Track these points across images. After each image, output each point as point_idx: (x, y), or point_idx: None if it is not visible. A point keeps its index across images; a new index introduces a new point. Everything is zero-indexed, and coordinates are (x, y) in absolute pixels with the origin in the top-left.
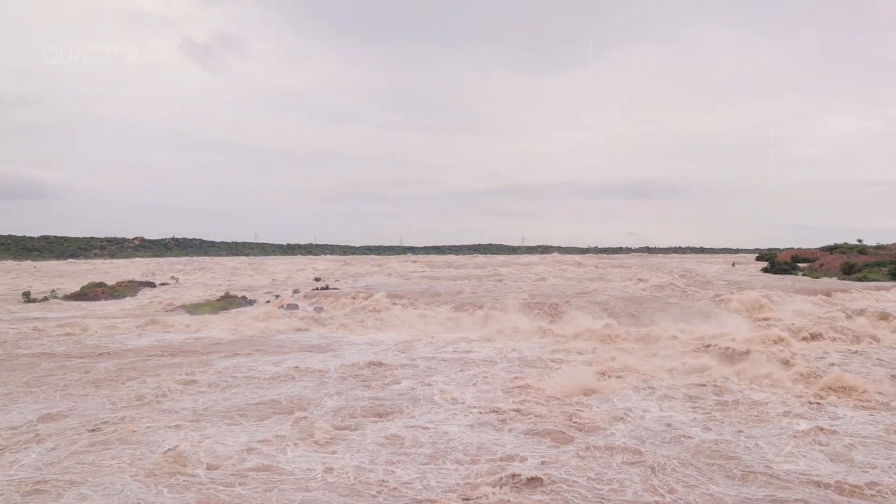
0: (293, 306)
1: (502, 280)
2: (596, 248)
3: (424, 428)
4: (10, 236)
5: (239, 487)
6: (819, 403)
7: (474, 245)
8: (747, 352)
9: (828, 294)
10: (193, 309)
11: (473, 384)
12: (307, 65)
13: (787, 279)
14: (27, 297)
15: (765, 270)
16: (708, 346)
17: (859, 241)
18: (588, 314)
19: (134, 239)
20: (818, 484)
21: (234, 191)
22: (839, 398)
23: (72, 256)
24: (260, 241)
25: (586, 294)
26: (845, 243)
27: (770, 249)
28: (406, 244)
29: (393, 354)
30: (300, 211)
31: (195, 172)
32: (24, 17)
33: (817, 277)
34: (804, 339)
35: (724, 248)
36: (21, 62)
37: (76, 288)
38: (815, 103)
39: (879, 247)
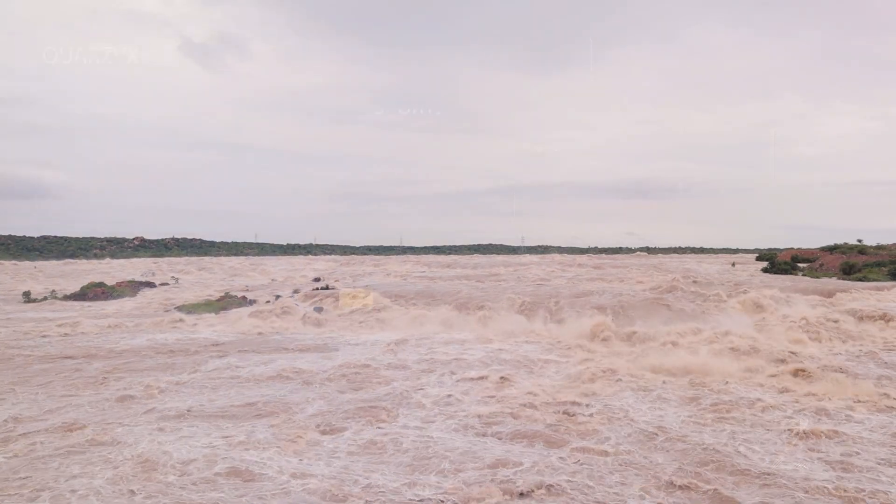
0: (294, 306)
1: (501, 281)
2: (596, 248)
3: (409, 432)
4: (10, 236)
5: (212, 493)
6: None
7: (474, 245)
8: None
9: (828, 294)
10: (193, 309)
11: (464, 386)
12: (307, 65)
13: (787, 279)
14: (27, 298)
15: (765, 270)
16: (709, 345)
17: (859, 241)
18: (586, 316)
19: (134, 239)
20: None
21: (234, 191)
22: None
23: (72, 256)
24: (260, 241)
25: (585, 295)
26: (845, 243)
27: (770, 249)
28: (406, 244)
29: (387, 355)
30: (300, 211)
31: (195, 172)
32: (24, 17)
33: (817, 277)
34: (805, 340)
35: (724, 248)
36: (21, 62)
37: (76, 288)
38: (815, 103)
39: (879, 247)
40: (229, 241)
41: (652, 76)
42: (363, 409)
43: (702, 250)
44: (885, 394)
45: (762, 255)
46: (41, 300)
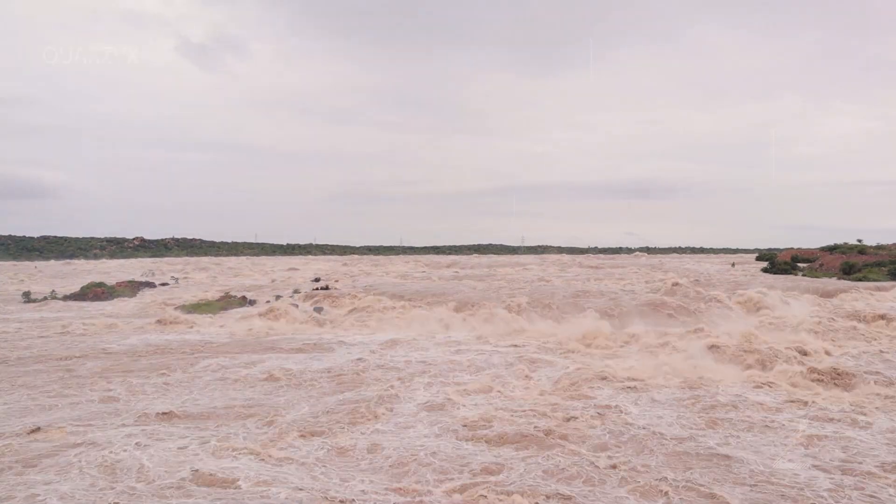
0: (293, 306)
1: (501, 281)
2: (596, 248)
3: (393, 436)
4: (10, 236)
5: (181, 499)
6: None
7: (474, 245)
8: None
9: (828, 294)
10: (193, 309)
11: (457, 388)
12: (307, 65)
13: (787, 279)
14: (27, 298)
15: (765, 270)
16: (708, 346)
17: (859, 241)
18: (584, 316)
19: (134, 239)
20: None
21: (234, 191)
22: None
23: (72, 256)
24: (260, 241)
25: (584, 296)
26: (845, 243)
27: (770, 249)
28: (406, 244)
29: (381, 356)
30: (300, 211)
31: (195, 172)
32: (24, 17)
33: (817, 277)
34: (805, 339)
35: (723, 248)
36: (21, 62)
37: (76, 288)
38: (815, 103)
39: (879, 247)
40: (229, 241)
41: (652, 76)
42: (348, 412)
43: (702, 250)
44: (888, 395)
45: (762, 255)
46: (41, 300)
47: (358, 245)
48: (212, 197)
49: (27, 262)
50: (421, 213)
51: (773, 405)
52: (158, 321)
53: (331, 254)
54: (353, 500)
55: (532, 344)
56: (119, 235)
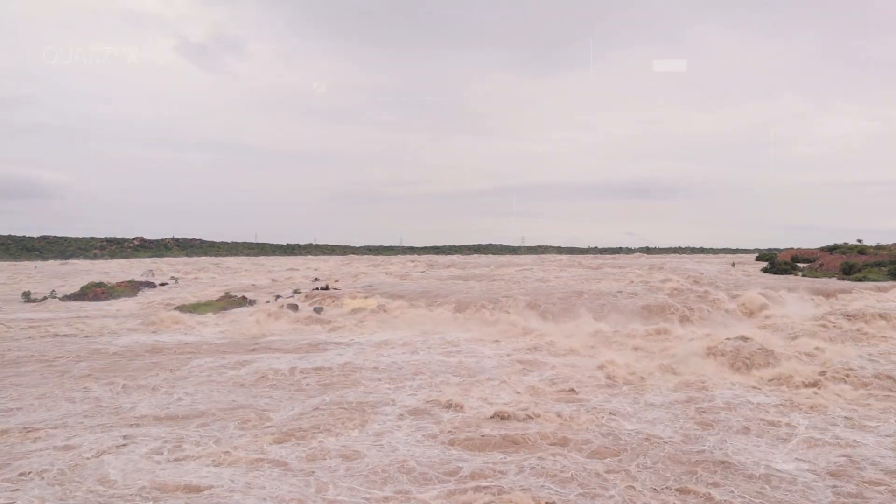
0: (293, 306)
1: (501, 281)
2: (596, 248)
3: (377, 440)
4: (10, 236)
5: None
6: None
7: (474, 245)
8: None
9: (828, 294)
10: (193, 309)
11: (449, 390)
12: (307, 64)
13: (787, 279)
14: (27, 297)
15: (765, 270)
16: (707, 346)
17: (859, 241)
18: (583, 317)
19: (134, 239)
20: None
21: (234, 191)
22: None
23: (72, 256)
24: (260, 241)
25: (583, 296)
26: (845, 243)
27: (770, 249)
28: (406, 244)
29: (377, 356)
30: (300, 211)
31: (195, 172)
32: (24, 17)
33: (817, 277)
34: (805, 339)
35: (723, 248)
36: (21, 62)
37: (76, 288)
38: (815, 103)
39: (879, 247)
40: (229, 241)
41: (652, 76)
42: (333, 415)
43: (702, 250)
44: (890, 396)
45: (762, 255)
46: (41, 300)
47: (358, 245)
48: (212, 197)
49: (27, 262)
50: (421, 213)
51: (772, 406)
52: (157, 321)
53: (331, 254)
54: None
55: (530, 345)
56: (119, 235)
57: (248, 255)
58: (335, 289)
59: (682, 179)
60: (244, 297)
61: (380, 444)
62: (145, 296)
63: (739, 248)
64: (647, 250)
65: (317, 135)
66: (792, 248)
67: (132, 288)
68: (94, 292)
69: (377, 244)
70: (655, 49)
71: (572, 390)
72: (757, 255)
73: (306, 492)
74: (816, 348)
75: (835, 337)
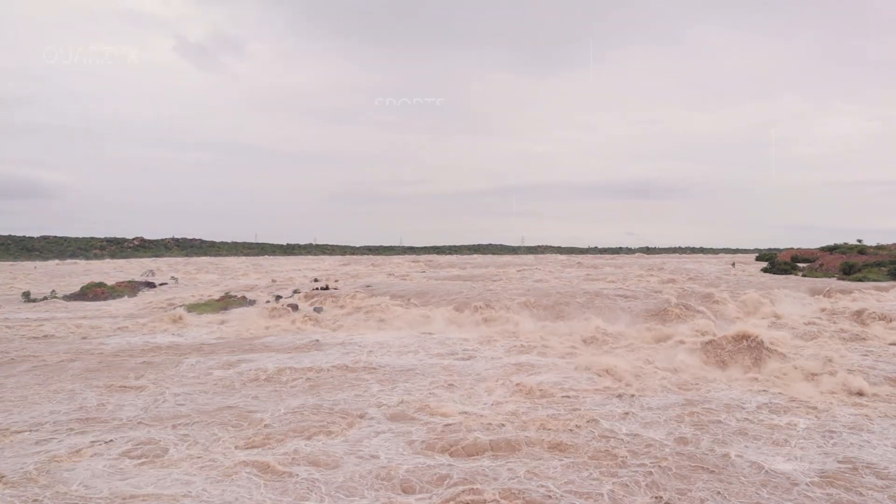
0: (293, 306)
1: (500, 281)
2: (596, 248)
3: (360, 445)
4: (10, 236)
5: None
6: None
7: (474, 245)
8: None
9: (828, 294)
10: (192, 309)
11: (440, 393)
12: (306, 64)
13: (787, 279)
14: (27, 297)
15: (765, 270)
16: (707, 346)
17: (859, 241)
18: (581, 317)
19: (134, 239)
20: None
21: (234, 191)
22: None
23: (72, 256)
24: (260, 241)
25: (583, 296)
26: (845, 243)
27: (770, 249)
28: (406, 244)
29: (371, 357)
30: (300, 211)
31: (195, 172)
32: (24, 17)
33: (817, 277)
34: (805, 340)
35: (724, 248)
36: (21, 62)
37: (76, 288)
38: (815, 103)
39: (879, 247)
40: (229, 241)
41: (652, 76)
42: (319, 419)
43: (702, 250)
44: (891, 396)
45: (762, 256)
46: (41, 300)
47: (358, 245)
48: (212, 197)
49: (27, 262)
50: (421, 213)
51: (771, 407)
52: (156, 322)
53: (331, 254)
54: None
55: (526, 346)
56: (119, 235)
57: (247, 255)
58: (335, 289)
59: (682, 179)
60: (244, 297)
61: (363, 449)
62: (145, 296)
63: (739, 248)
64: (647, 250)
65: (317, 135)
66: (792, 248)
67: (132, 288)
68: (94, 292)
69: (377, 244)
70: (655, 49)
71: (567, 394)
72: (757, 255)
73: (283, 501)
74: (816, 348)
75: (835, 337)
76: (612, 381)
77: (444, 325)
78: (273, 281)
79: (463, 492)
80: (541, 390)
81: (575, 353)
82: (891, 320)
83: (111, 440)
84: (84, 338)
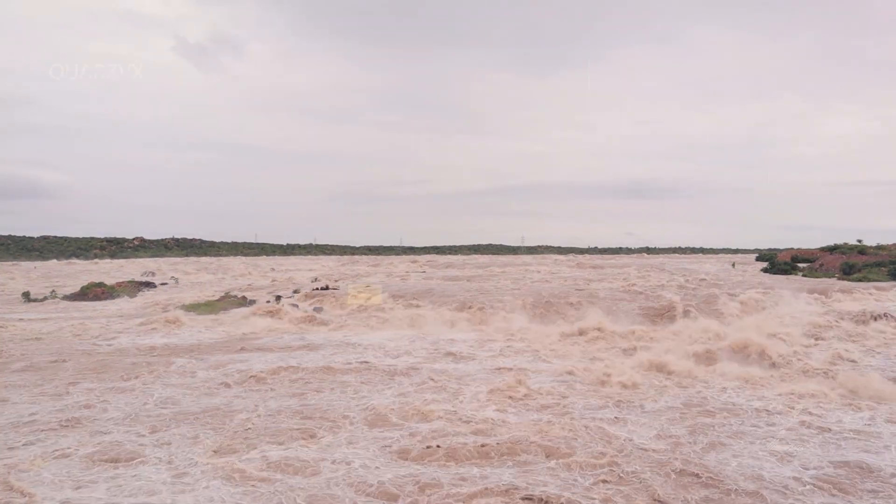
0: (293, 306)
1: (500, 281)
2: (595, 248)
3: (339, 451)
4: (10, 236)
5: None
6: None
7: (474, 245)
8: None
9: (828, 294)
10: (192, 309)
11: (429, 395)
12: (306, 65)
13: (787, 279)
14: (27, 298)
15: (765, 271)
16: (706, 346)
17: (859, 241)
18: (579, 318)
19: (134, 239)
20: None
21: (234, 191)
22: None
23: (72, 256)
24: (260, 241)
25: (583, 296)
26: (845, 243)
27: (770, 249)
28: (406, 244)
29: (364, 357)
30: (300, 211)
31: (195, 172)
32: (24, 17)
33: (817, 278)
34: (805, 340)
35: (723, 249)
36: (21, 62)
37: (76, 288)
38: (815, 103)
39: (879, 247)
40: (229, 241)
41: (651, 76)
42: (294, 422)
43: (702, 250)
44: (891, 396)
45: (762, 256)
46: (41, 300)
47: (358, 245)
48: (212, 197)
49: (27, 262)
50: (421, 213)
51: (769, 407)
52: (154, 322)
53: (331, 254)
54: None
55: (524, 348)
56: (119, 235)
57: (247, 255)
58: (335, 289)
59: (681, 179)
60: (244, 297)
61: (338, 455)
62: (145, 296)
63: (739, 248)
64: (647, 250)
65: (317, 135)
66: (792, 248)
67: (132, 288)
68: (95, 292)
69: (377, 244)
70: (655, 49)
71: (558, 398)
72: (757, 255)
73: None
74: (815, 348)
75: (834, 336)
76: (608, 382)
77: (442, 325)
78: (273, 281)
79: (446, 496)
80: (533, 393)
81: (571, 354)
82: (890, 320)
83: (88, 442)
84: (80, 338)
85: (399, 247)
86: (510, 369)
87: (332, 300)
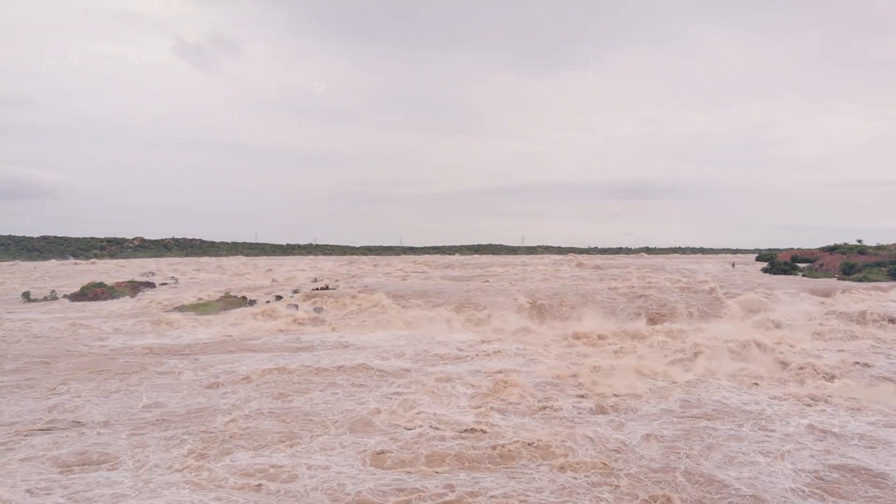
0: (293, 306)
1: (499, 281)
2: (596, 248)
3: (315, 458)
4: (10, 236)
5: None
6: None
7: (474, 245)
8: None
9: (828, 294)
10: (192, 309)
11: (419, 397)
12: (306, 65)
13: (787, 279)
14: (27, 298)
15: (765, 271)
16: (705, 347)
17: (859, 241)
18: (578, 319)
19: (134, 239)
20: None
21: (234, 191)
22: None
23: (72, 256)
24: (260, 241)
25: (584, 296)
26: (845, 243)
27: (770, 249)
28: (406, 244)
29: (359, 358)
30: (300, 211)
31: (195, 172)
32: (24, 17)
33: (817, 278)
34: (805, 340)
35: (723, 249)
36: (21, 62)
37: (76, 288)
38: (815, 103)
39: (879, 247)
40: (229, 241)
41: (651, 76)
42: (275, 425)
43: (701, 250)
44: (891, 396)
45: (762, 256)
46: (41, 300)
47: (358, 245)
48: (212, 197)
49: (27, 262)
50: (421, 213)
51: (769, 409)
52: (152, 322)
53: (331, 254)
54: None
55: (521, 349)
56: (119, 235)
57: (247, 255)
58: (335, 289)
59: (681, 179)
60: (244, 298)
61: (321, 461)
62: (145, 296)
63: (739, 248)
64: (647, 250)
65: (317, 135)
66: (792, 248)
67: (132, 288)
68: (94, 292)
69: (377, 244)
70: (655, 49)
71: (555, 399)
72: (757, 255)
73: None
74: (815, 348)
75: (834, 337)
76: (605, 383)
77: (440, 326)
78: (273, 281)
79: None
80: (527, 396)
81: (568, 356)
82: (890, 320)
83: (62, 444)
84: (76, 339)
85: (399, 247)
86: (505, 371)
87: (331, 300)
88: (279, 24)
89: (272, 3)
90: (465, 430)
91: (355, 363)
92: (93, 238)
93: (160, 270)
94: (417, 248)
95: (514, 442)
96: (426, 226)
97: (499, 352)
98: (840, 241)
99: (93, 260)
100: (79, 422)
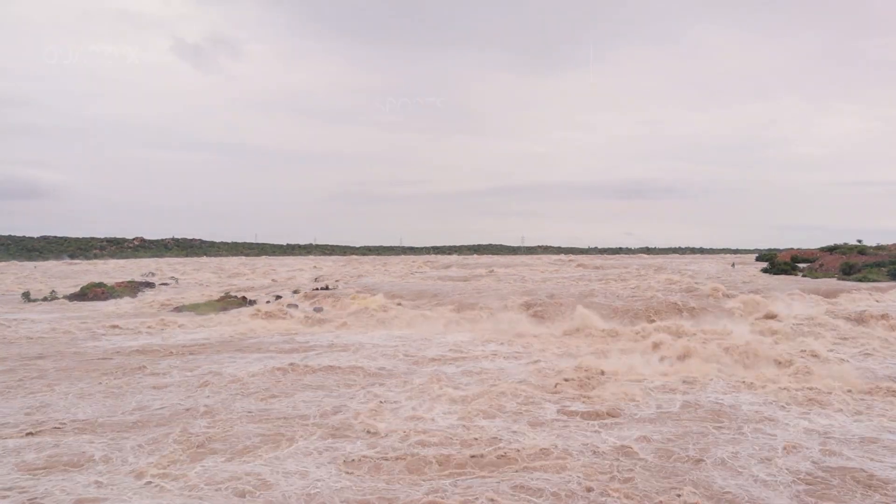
0: (293, 306)
1: (499, 281)
2: (596, 248)
3: (289, 467)
4: (10, 236)
5: None
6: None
7: (474, 245)
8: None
9: (828, 294)
10: (192, 309)
11: (410, 399)
12: (306, 65)
13: (787, 280)
14: (27, 298)
15: (765, 271)
16: (704, 347)
17: (859, 241)
18: (575, 318)
19: (134, 239)
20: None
21: (234, 191)
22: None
23: (72, 256)
24: (260, 241)
25: (585, 296)
26: (845, 243)
27: (770, 249)
28: (406, 244)
29: (354, 358)
30: (300, 211)
31: (195, 172)
32: (24, 17)
33: (817, 278)
34: (805, 340)
35: (723, 249)
36: (21, 62)
37: (76, 288)
38: (815, 103)
39: (879, 247)
40: (229, 241)
41: (652, 76)
42: (254, 428)
43: (701, 251)
44: (890, 397)
45: (762, 256)
46: (41, 300)
47: (358, 245)
48: (212, 197)
49: (27, 262)
50: (421, 213)
51: (768, 411)
52: (151, 322)
53: (331, 254)
54: None
55: (521, 349)
56: (119, 235)
57: (248, 255)
58: (335, 289)
59: (681, 179)
60: (244, 298)
61: (291, 467)
62: (145, 296)
63: (739, 248)
64: (647, 250)
65: (317, 135)
66: (792, 248)
67: (132, 288)
68: (94, 292)
69: (377, 244)
70: (655, 49)
71: (551, 400)
72: (757, 255)
73: None
74: (815, 349)
75: (834, 337)
76: (603, 385)
77: (439, 326)
78: (273, 281)
79: None
80: (523, 398)
81: (566, 357)
82: (890, 320)
83: (44, 447)
84: (73, 339)
85: (399, 247)
86: (498, 373)
87: (331, 300)
88: (279, 24)
89: (272, 3)
90: (456, 435)
91: (349, 364)
92: (93, 238)
93: (160, 270)
94: (417, 248)
95: (504, 447)
96: (426, 226)
97: (495, 353)
98: (840, 242)
99: (94, 260)
100: (59, 423)
